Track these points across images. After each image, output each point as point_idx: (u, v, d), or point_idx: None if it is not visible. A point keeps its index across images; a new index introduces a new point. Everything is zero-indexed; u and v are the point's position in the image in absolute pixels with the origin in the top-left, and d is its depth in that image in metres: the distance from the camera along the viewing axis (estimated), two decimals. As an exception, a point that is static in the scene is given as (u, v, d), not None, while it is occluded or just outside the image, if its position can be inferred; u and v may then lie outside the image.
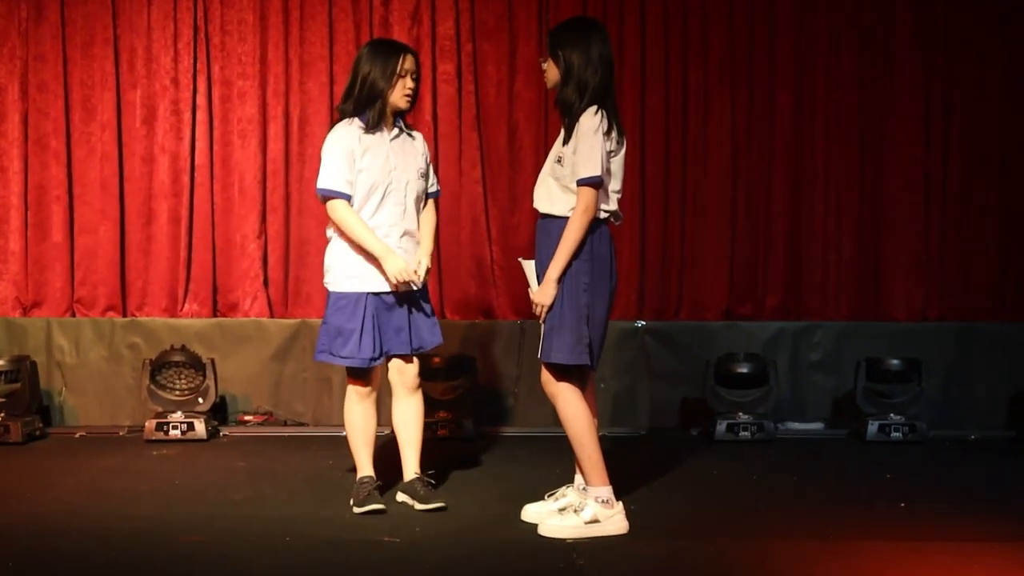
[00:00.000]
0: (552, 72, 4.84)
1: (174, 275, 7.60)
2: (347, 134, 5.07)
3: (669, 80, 7.60)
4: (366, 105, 5.08)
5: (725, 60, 7.60)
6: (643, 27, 7.58)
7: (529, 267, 4.88)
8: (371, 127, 5.08)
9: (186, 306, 7.60)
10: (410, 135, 5.25)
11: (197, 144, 7.57)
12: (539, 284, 4.84)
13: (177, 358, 7.04)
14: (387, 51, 5.13)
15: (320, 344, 5.19)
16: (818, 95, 7.62)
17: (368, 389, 5.25)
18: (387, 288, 5.12)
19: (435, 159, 7.36)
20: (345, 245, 5.14)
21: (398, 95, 5.12)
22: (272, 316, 7.56)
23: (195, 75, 7.55)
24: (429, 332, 5.29)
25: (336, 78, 7.53)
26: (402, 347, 5.21)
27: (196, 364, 7.06)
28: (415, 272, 5.12)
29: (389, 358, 5.23)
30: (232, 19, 7.58)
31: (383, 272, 5.09)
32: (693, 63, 7.60)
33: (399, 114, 5.18)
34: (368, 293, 5.11)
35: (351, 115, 5.09)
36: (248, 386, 7.45)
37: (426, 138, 7.40)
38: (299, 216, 7.60)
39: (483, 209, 7.60)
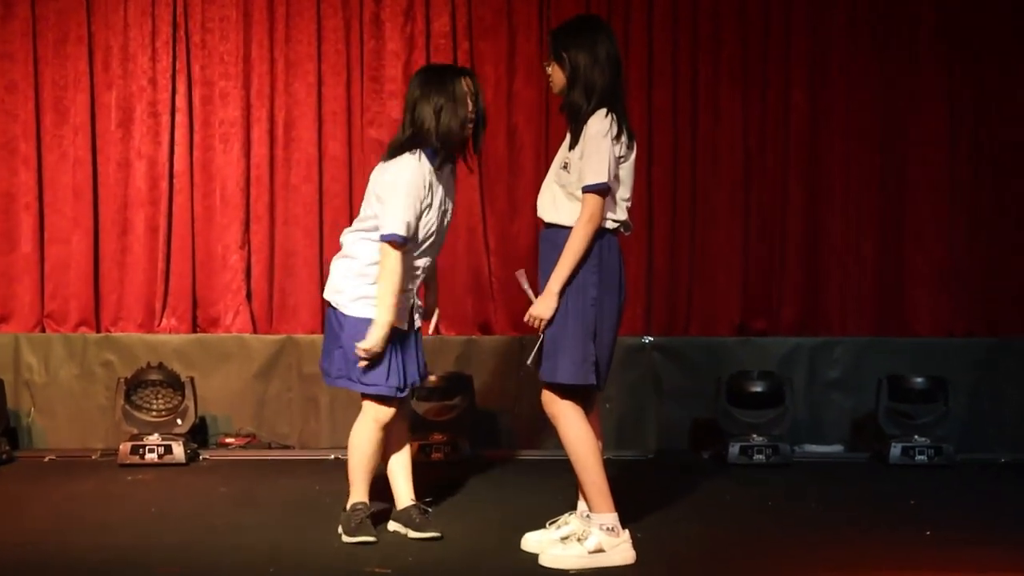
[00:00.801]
0: (557, 75, 4.84)
1: (151, 288, 7.57)
2: (420, 173, 4.98)
3: (677, 78, 7.60)
4: (429, 139, 4.98)
5: (737, 57, 7.59)
6: (650, 22, 7.58)
7: (523, 278, 4.89)
8: (438, 165, 5.04)
9: (164, 321, 7.57)
10: (451, 163, 5.22)
11: (176, 149, 7.55)
12: (539, 297, 4.83)
13: (154, 376, 7.02)
14: (447, 77, 5.04)
15: (335, 369, 5.16)
16: (836, 94, 7.61)
17: (392, 420, 5.21)
18: (402, 325, 5.14)
19: None
20: (374, 274, 5.11)
21: (460, 127, 5.05)
22: (255, 332, 7.54)
23: (174, 75, 7.54)
24: (424, 362, 5.35)
25: (324, 78, 7.55)
26: (415, 377, 5.26)
27: (174, 383, 7.03)
28: (432, 320, 5.24)
29: (412, 389, 5.30)
30: (214, 16, 7.57)
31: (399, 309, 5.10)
32: (703, 60, 7.60)
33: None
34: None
35: (409, 148, 4.99)
36: (230, 406, 7.43)
37: None
38: (285, 226, 7.59)
39: (480, 218, 7.59)
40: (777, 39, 7.60)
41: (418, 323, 5.24)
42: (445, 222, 5.16)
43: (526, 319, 4.80)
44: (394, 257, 4.97)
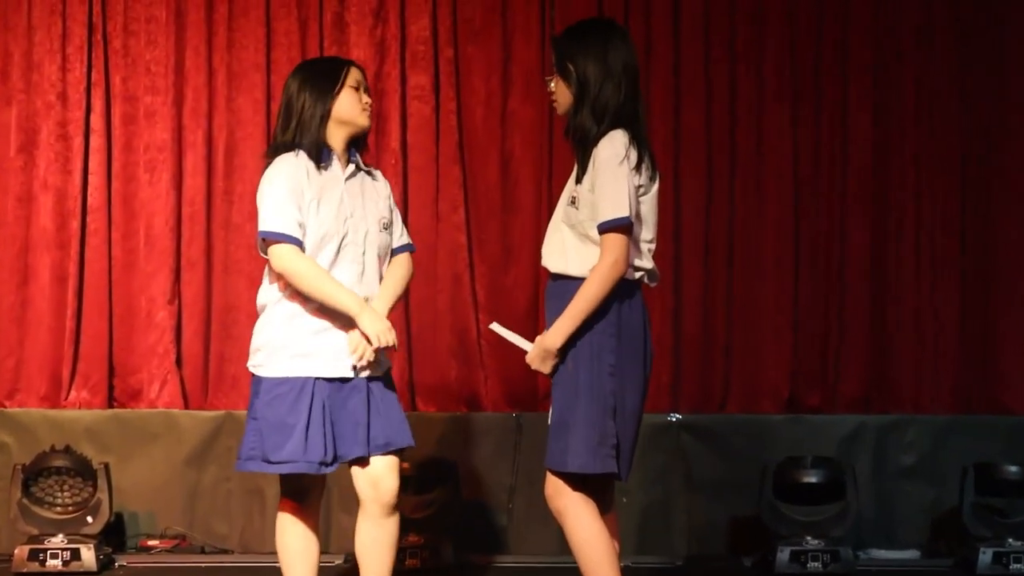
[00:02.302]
0: (561, 92, 4.79)
1: (57, 351, 7.56)
2: (293, 168, 5.04)
3: (711, 94, 7.58)
4: (306, 130, 5.09)
5: (784, 68, 7.58)
6: (676, 25, 7.59)
7: (502, 329, 4.91)
8: (317, 160, 5.05)
9: (73, 393, 7.53)
10: (370, 174, 5.25)
11: (91, 179, 7.53)
12: (535, 348, 4.77)
13: (59, 463, 6.94)
14: (323, 66, 5.26)
15: (247, 447, 5.06)
16: (906, 114, 7.59)
17: (308, 505, 5.16)
18: (341, 371, 5.01)
19: (403, 200, 7.42)
20: (289, 313, 5.05)
21: (353, 109, 5.11)
22: (187, 407, 7.51)
23: (89, 88, 7.54)
24: (397, 428, 5.13)
25: (274, 93, 7.50)
26: (360, 446, 5.04)
27: (84, 471, 6.94)
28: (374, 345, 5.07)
29: (346, 464, 5.08)
30: (138, 15, 7.56)
31: (333, 347, 5.00)
32: (742, 72, 7.59)
33: (355, 145, 5.18)
34: (316, 378, 5.01)
35: (287, 149, 5.07)
36: (154, 500, 7.36)
37: (392, 172, 7.22)
38: (225, 274, 7.56)
39: (467, 265, 7.55)
40: (833, 45, 7.61)
41: (366, 371, 5.06)
42: (360, 237, 5.11)
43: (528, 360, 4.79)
44: (289, 257, 4.95)
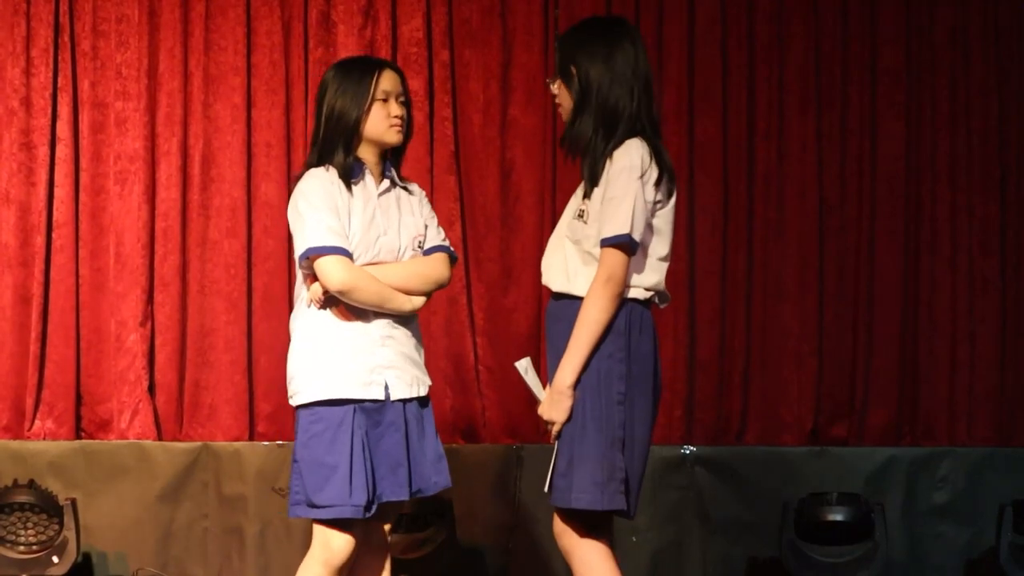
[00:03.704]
0: (564, 96, 4.79)
1: (20, 378, 7.54)
2: (326, 182, 5.09)
3: (727, 101, 7.60)
4: (335, 147, 5.12)
5: (808, 71, 7.59)
6: (691, 25, 7.60)
7: (527, 371, 4.81)
8: (347, 176, 5.08)
9: (37, 423, 7.51)
10: (406, 189, 5.27)
11: (57, 192, 7.52)
12: (547, 392, 4.73)
13: (22, 498, 6.93)
14: (354, 72, 5.19)
15: (294, 491, 5.10)
16: (940, 121, 7.61)
17: (350, 554, 5.07)
18: (374, 393, 5.04)
19: None
20: (323, 339, 5.08)
21: (380, 126, 5.11)
22: (160, 438, 7.47)
23: (55, 94, 7.52)
24: (433, 469, 5.16)
25: (255, 99, 7.57)
26: (399, 491, 5.08)
27: (49, 507, 6.92)
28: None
29: (382, 507, 5.11)
30: (108, 15, 7.53)
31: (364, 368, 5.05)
32: (761, 77, 7.61)
33: (389, 158, 5.21)
34: (355, 405, 5.03)
35: (318, 164, 5.14)
36: (124, 540, 7.32)
37: None
38: (201, 295, 7.53)
39: (464, 285, 7.57)
40: (860, 46, 7.61)
41: (413, 391, 5.14)
42: (393, 256, 5.15)
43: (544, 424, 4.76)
44: (345, 269, 4.98)
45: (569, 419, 4.65)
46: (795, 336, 7.54)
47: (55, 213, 7.49)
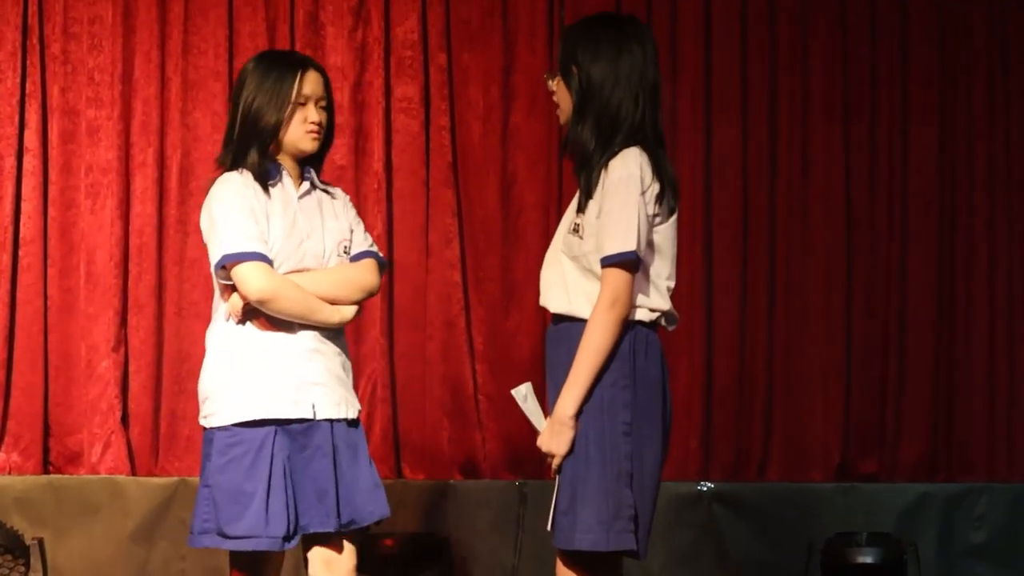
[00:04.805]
0: (563, 96, 4.75)
1: None
2: (243, 186, 5.05)
3: (747, 107, 7.61)
4: (249, 149, 5.10)
5: (834, 77, 7.60)
6: (708, 25, 7.61)
7: (526, 398, 4.74)
8: (263, 179, 5.06)
9: (1, 456, 7.51)
10: (327, 191, 5.26)
11: (24, 206, 7.55)
12: (547, 422, 4.65)
13: None
14: (275, 69, 5.16)
15: (199, 519, 5.01)
16: (976, 129, 7.61)
17: None
18: (301, 412, 4.98)
19: (387, 232, 7.49)
20: (243, 353, 5.02)
21: (295, 132, 5.10)
22: (134, 473, 7.47)
23: (23, 100, 7.56)
24: (368, 498, 5.08)
25: None
26: (326, 521, 5.00)
27: (15, 546, 6.95)
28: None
29: (307, 540, 5.04)
30: (80, 16, 7.57)
31: (290, 387, 4.99)
32: (783, 81, 7.63)
33: (308, 161, 5.18)
34: (276, 427, 4.97)
35: (232, 167, 5.12)
36: None
37: (373, 199, 7.20)
38: (178, 318, 7.53)
39: (462, 307, 7.56)
40: (889, 48, 7.63)
41: (340, 411, 5.07)
42: (316, 263, 5.13)
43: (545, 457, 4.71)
44: (264, 276, 4.93)
45: (571, 452, 4.58)
46: (821, 362, 7.53)
47: (22, 229, 7.49)
